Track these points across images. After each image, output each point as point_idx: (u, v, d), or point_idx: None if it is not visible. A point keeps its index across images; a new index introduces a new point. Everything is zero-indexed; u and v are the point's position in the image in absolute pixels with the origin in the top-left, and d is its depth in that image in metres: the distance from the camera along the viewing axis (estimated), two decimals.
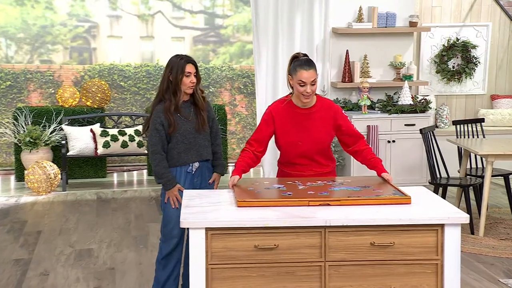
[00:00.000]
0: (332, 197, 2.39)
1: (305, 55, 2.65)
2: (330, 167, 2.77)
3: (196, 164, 2.81)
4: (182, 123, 2.76)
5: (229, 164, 5.91)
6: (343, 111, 2.76)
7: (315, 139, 2.68)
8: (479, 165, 4.78)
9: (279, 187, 2.55)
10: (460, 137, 4.65)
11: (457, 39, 5.60)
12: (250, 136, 2.77)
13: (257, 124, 5.34)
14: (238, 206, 2.35)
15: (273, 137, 2.76)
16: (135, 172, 5.97)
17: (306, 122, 2.67)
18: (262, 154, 2.74)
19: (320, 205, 2.35)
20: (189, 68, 2.74)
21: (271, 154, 4.89)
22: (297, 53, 2.67)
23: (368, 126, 5.03)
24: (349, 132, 2.73)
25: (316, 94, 2.70)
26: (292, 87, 2.67)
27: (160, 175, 2.77)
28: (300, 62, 2.60)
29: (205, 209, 2.35)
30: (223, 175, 2.91)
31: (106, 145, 5.30)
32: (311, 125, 2.67)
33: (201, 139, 2.80)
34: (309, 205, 2.35)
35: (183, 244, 2.86)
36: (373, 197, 2.40)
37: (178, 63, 2.74)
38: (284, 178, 2.70)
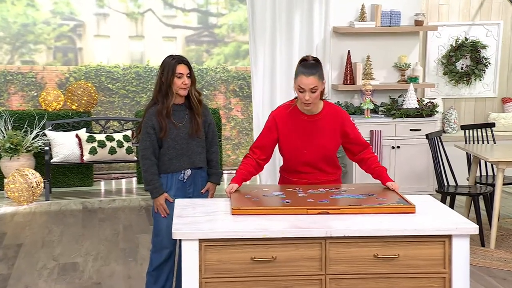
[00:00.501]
0: (332, 205, 2.42)
1: (315, 59, 2.64)
2: (336, 175, 2.81)
3: (188, 172, 2.83)
4: (174, 127, 2.78)
5: (224, 171, 5.93)
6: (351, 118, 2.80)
7: (321, 147, 2.71)
8: (490, 173, 4.82)
9: (278, 195, 2.58)
10: (469, 143, 4.69)
11: (466, 39, 5.65)
12: (253, 143, 2.81)
13: (254, 128, 5.38)
14: (233, 214, 2.38)
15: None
16: (123, 180, 5.97)
17: (312, 129, 2.70)
18: (266, 162, 2.77)
19: (319, 213, 2.39)
20: (181, 68, 2.77)
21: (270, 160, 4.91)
22: (306, 56, 2.67)
23: (371, 131, 5.06)
24: (356, 141, 2.76)
25: (323, 99, 2.72)
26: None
27: (148, 181, 2.79)
28: (303, 66, 2.62)
29: (199, 219, 2.37)
30: (218, 184, 2.93)
31: (92, 151, 5.31)
32: (317, 133, 2.70)
33: (194, 145, 2.82)
34: (307, 213, 2.38)
35: (175, 255, 2.87)
36: (376, 205, 2.43)
37: (170, 63, 2.77)
38: (284, 185, 2.74)
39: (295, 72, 2.67)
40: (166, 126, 2.76)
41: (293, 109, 2.73)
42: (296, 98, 2.75)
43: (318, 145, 2.71)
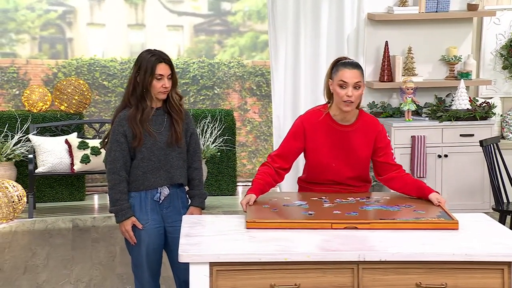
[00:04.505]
0: (361, 219, 2.45)
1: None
2: (364, 188, 2.86)
3: (165, 191, 2.80)
4: (150, 135, 2.76)
5: (237, 184, 5.97)
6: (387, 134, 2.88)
7: (352, 163, 2.77)
8: None
9: (301, 204, 2.63)
10: None
11: None
12: (273, 151, 2.85)
13: (274, 133, 5.42)
14: (247, 228, 2.43)
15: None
16: None
17: (344, 141, 2.75)
18: (287, 172, 2.81)
19: (345, 228, 2.42)
20: (161, 69, 2.73)
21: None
22: (343, 57, 2.80)
23: (413, 137, 5.06)
24: (387, 160, 2.80)
25: (359, 109, 2.79)
26: (328, 97, 2.77)
27: (114, 201, 2.77)
28: (344, 62, 2.73)
29: (210, 239, 2.41)
30: (203, 208, 2.89)
31: (85, 159, 5.39)
32: (350, 146, 2.76)
33: (174, 157, 2.79)
34: (332, 228, 2.42)
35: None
36: (411, 219, 2.46)
37: (148, 61, 2.73)
38: (308, 193, 2.78)
39: (332, 71, 2.74)
40: (140, 134, 2.72)
41: (326, 116, 2.77)
42: (328, 102, 2.80)
43: (350, 161, 2.77)
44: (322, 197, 2.69)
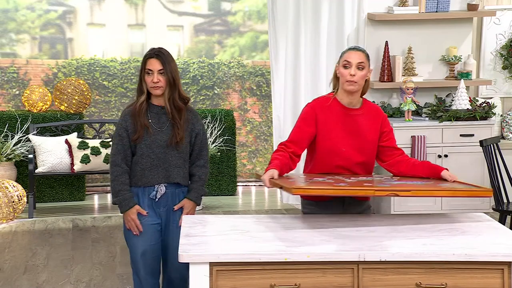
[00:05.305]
0: (399, 187, 2.47)
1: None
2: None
3: (162, 189, 2.82)
4: (152, 132, 2.80)
5: (237, 185, 5.97)
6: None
7: (361, 148, 2.80)
8: None
9: (324, 180, 2.62)
10: None
11: None
12: (286, 139, 2.84)
13: (274, 133, 5.42)
14: (294, 194, 2.45)
15: None
16: None
17: (353, 125, 2.81)
18: (298, 160, 2.81)
19: (387, 195, 2.45)
20: (150, 64, 2.78)
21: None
22: (353, 46, 2.93)
23: (413, 137, 5.06)
24: (392, 144, 2.86)
25: (363, 98, 2.86)
26: (334, 85, 2.85)
27: (116, 192, 2.81)
28: (350, 46, 2.88)
29: (210, 238, 2.41)
30: (198, 204, 2.89)
31: (85, 159, 5.40)
32: (358, 130, 2.81)
33: (173, 156, 2.82)
34: (375, 195, 2.45)
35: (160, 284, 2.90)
36: (449, 187, 2.49)
37: (144, 56, 2.83)
38: (322, 174, 2.77)
39: (340, 56, 2.84)
40: (140, 128, 2.77)
41: (333, 101, 2.83)
42: (333, 92, 2.86)
43: (359, 145, 2.80)
44: (338, 177, 2.69)
